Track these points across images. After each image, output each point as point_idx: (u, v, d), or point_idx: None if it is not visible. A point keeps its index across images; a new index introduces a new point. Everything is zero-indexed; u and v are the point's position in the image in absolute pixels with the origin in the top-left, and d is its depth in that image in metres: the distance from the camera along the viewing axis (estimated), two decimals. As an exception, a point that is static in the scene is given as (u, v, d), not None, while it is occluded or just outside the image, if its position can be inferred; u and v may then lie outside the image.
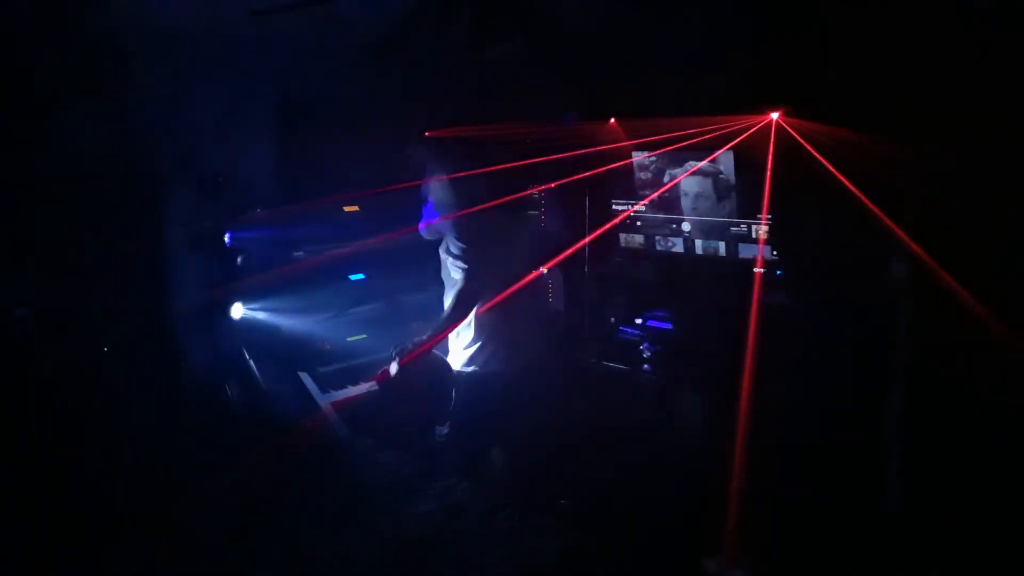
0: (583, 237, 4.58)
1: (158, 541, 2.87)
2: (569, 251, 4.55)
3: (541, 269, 4.85)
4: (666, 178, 4.31)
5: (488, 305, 4.07)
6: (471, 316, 4.03)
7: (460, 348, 4.16)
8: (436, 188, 4.12)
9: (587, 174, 4.51)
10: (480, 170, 4.08)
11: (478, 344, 4.08)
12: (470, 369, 4.10)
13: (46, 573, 2.83)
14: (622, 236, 4.63)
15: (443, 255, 4.16)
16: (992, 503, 2.85)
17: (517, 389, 4.03)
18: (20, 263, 3.47)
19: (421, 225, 4.26)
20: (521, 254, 4.27)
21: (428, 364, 3.89)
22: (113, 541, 2.88)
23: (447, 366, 4.07)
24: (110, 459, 3.37)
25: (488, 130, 4.41)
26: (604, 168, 4.44)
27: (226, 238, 4.11)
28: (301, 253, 4.48)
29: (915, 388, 3.21)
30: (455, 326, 3.97)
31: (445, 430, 4.05)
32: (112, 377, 3.62)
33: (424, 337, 3.81)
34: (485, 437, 3.96)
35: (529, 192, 4.48)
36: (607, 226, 4.57)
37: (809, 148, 3.40)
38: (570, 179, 4.62)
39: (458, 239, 4.02)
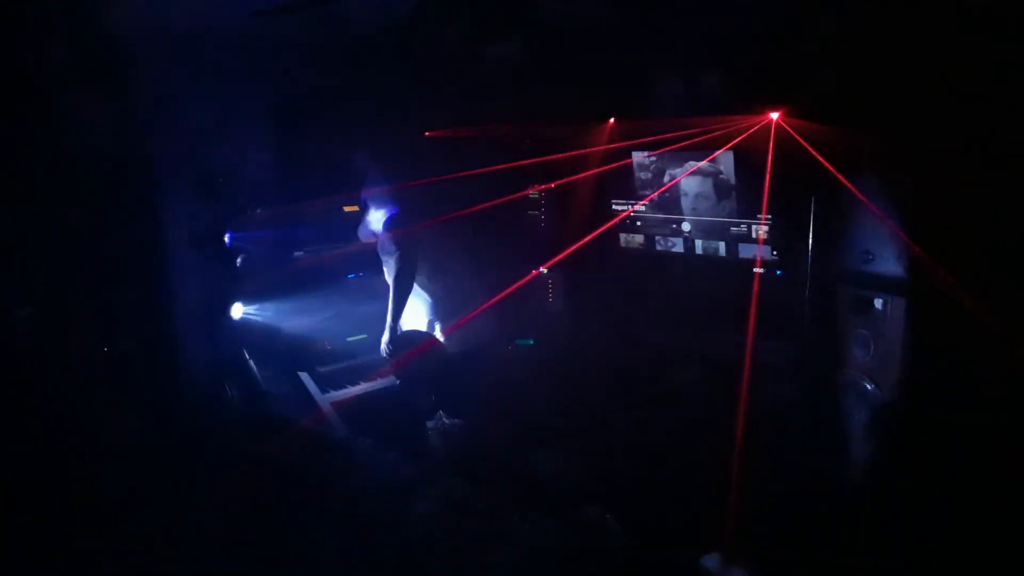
0: (581, 237, 4.58)
1: (158, 541, 2.87)
2: (566, 252, 4.55)
3: (541, 268, 4.85)
4: (666, 178, 4.31)
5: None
6: (425, 304, 4.28)
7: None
8: (375, 198, 4.27)
9: (580, 175, 4.52)
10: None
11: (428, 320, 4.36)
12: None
13: (46, 573, 2.83)
14: (622, 236, 4.63)
15: (381, 255, 4.27)
16: (992, 502, 2.85)
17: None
18: (20, 263, 3.47)
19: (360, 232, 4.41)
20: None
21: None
22: (113, 541, 2.88)
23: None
24: (110, 459, 3.37)
25: (485, 130, 4.42)
26: (603, 168, 4.44)
27: (226, 238, 4.11)
28: (301, 253, 4.49)
29: (914, 387, 3.21)
30: (404, 301, 4.16)
31: (446, 419, 4.08)
32: (112, 377, 3.63)
33: (389, 320, 4.08)
34: (487, 428, 3.99)
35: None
36: (605, 226, 4.57)
37: (809, 148, 3.40)
38: (567, 180, 4.63)
39: (395, 244, 4.13)
